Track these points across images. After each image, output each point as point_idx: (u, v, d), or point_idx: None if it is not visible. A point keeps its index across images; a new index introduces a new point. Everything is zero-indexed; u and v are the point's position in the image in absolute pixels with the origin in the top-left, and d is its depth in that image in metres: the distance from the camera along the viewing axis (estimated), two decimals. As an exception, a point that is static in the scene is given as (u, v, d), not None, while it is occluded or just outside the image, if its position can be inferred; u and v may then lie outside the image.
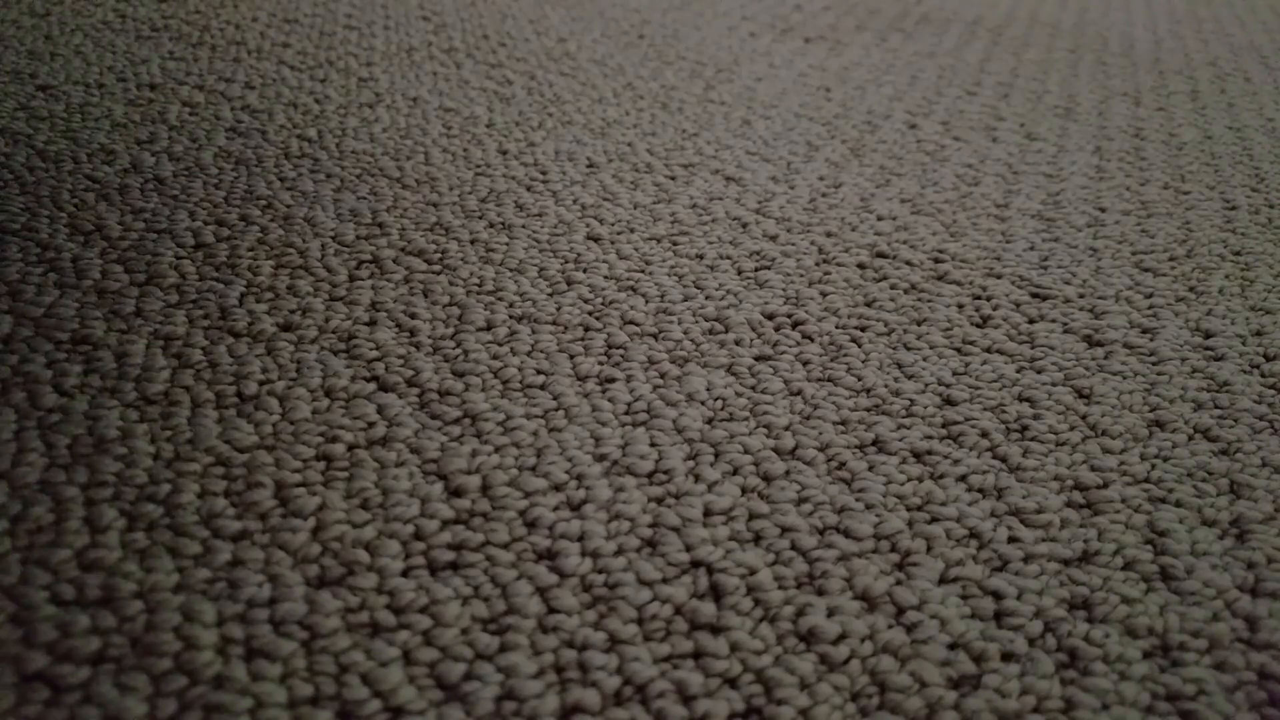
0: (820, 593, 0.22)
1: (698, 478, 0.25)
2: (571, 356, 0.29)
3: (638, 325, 0.30)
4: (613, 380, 0.28)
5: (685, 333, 0.30)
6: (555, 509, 0.23)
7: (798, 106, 0.51)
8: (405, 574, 0.21)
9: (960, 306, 0.33)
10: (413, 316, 0.30)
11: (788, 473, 0.25)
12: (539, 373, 0.28)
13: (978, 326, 0.32)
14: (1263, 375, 0.31)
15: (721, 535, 0.23)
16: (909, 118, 0.51)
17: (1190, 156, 0.48)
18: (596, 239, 0.35)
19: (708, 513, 0.23)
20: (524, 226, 0.36)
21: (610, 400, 0.27)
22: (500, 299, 0.31)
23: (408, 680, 0.19)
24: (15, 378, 0.26)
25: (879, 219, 0.39)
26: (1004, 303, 0.34)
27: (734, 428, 0.26)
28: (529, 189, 0.38)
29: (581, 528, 0.23)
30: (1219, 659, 0.21)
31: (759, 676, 0.20)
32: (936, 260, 0.36)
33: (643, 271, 0.33)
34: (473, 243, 0.34)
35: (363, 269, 0.32)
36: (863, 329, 0.31)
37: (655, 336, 0.30)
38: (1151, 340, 0.32)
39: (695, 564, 0.22)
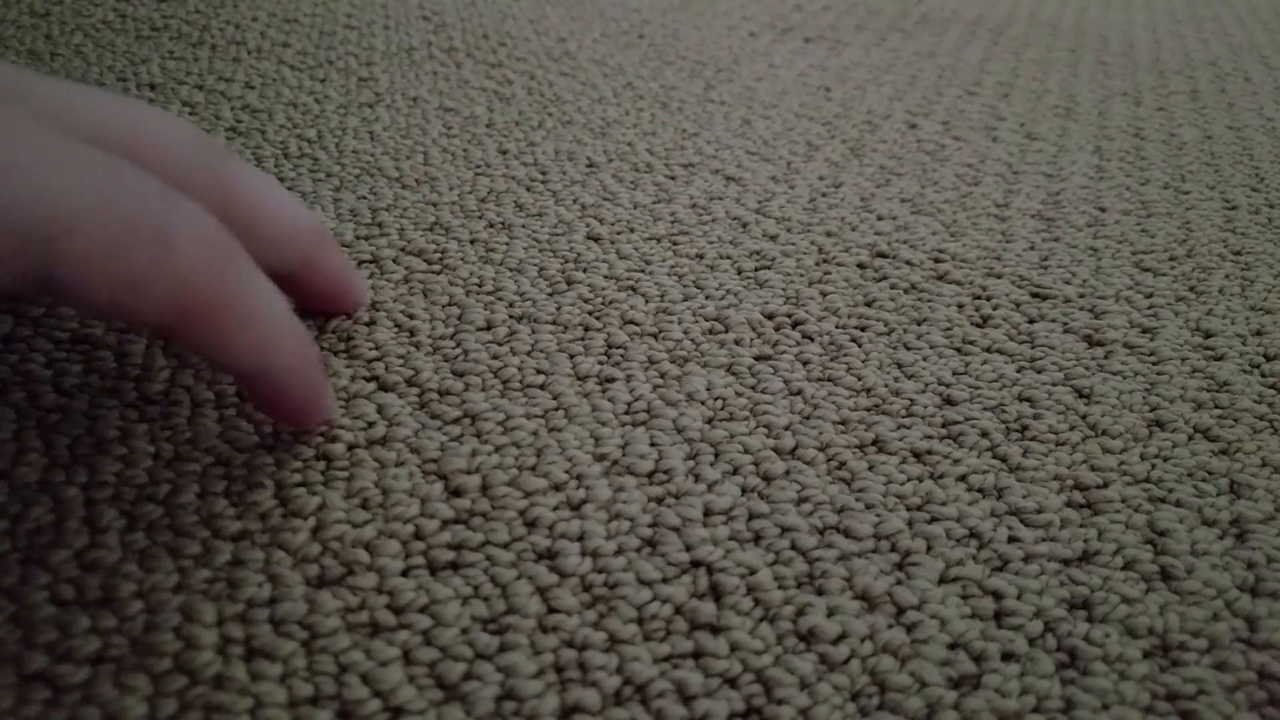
0: (820, 593, 0.22)
1: (698, 477, 0.25)
2: (571, 356, 0.29)
3: (638, 325, 0.30)
4: (613, 380, 0.28)
5: (685, 332, 0.30)
6: (555, 509, 0.23)
7: (798, 106, 0.51)
8: (405, 574, 0.21)
9: (960, 306, 0.33)
10: (412, 316, 0.30)
11: (788, 472, 0.25)
12: (539, 372, 0.28)
13: (978, 326, 0.32)
14: (1263, 375, 0.31)
15: (721, 535, 0.23)
16: (909, 118, 0.51)
17: (1190, 156, 0.48)
18: (596, 239, 0.35)
19: (708, 512, 0.23)
20: (524, 226, 0.36)
21: (610, 400, 0.27)
22: (500, 299, 0.31)
23: (408, 680, 0.19)
24: (15, 377, 0.26)
25: (879, 219, 0.39)
26: (1004, 302, 0.33)
27: (734, 427, 0.26)
28: (529, 189, 0.38)
29: (581, 527, 0.23)
30: (1219, 659, 0.21)
31: (759, 676, 0.20)
32: (936, 260, 0.36)
33: (643, 271, 0.33)
34: (472, 242, 0.34)
35: (362, 268, 0.32)
36: (863, 329, 0.31)
37: (655, 336, 0.30)
38: (1151, 340, 0.32)
39: (695, 564, 0.22)
